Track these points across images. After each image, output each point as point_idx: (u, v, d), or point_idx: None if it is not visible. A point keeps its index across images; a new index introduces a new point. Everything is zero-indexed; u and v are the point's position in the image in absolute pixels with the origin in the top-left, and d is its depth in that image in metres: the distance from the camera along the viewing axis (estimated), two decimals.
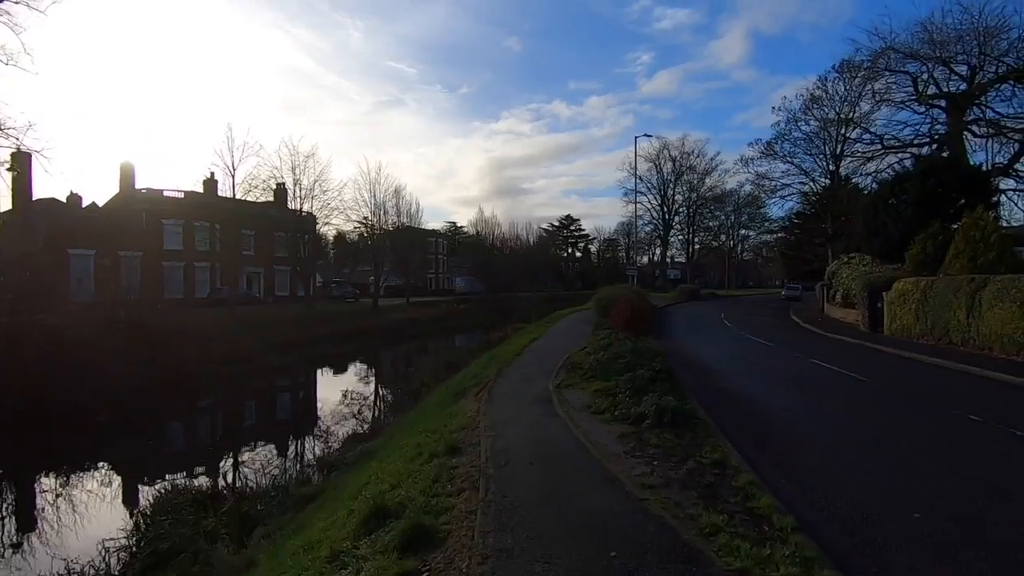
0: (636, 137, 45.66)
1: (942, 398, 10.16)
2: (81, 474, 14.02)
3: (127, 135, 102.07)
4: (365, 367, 33.23)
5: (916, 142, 35.34)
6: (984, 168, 28.77)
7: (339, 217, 52.09)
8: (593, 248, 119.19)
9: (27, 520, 11.42)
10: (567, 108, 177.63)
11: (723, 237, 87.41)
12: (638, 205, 61.64)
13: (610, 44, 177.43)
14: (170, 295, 45.19)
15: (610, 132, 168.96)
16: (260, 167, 51.00)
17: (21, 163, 27.79)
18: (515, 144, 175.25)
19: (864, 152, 38.04)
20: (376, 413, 18.00)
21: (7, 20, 21.19)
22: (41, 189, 51.85)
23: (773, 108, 44.61)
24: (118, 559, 8.53)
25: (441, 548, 3.96)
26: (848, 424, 8.31)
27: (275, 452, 15.38)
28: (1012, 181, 32.51)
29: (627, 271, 55.73)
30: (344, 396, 20.86)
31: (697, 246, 79.07)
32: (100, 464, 14.90)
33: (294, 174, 46.61)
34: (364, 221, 56.79)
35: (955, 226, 23.99)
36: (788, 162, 44.41)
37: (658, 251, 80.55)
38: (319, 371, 32.27)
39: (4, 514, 11.99)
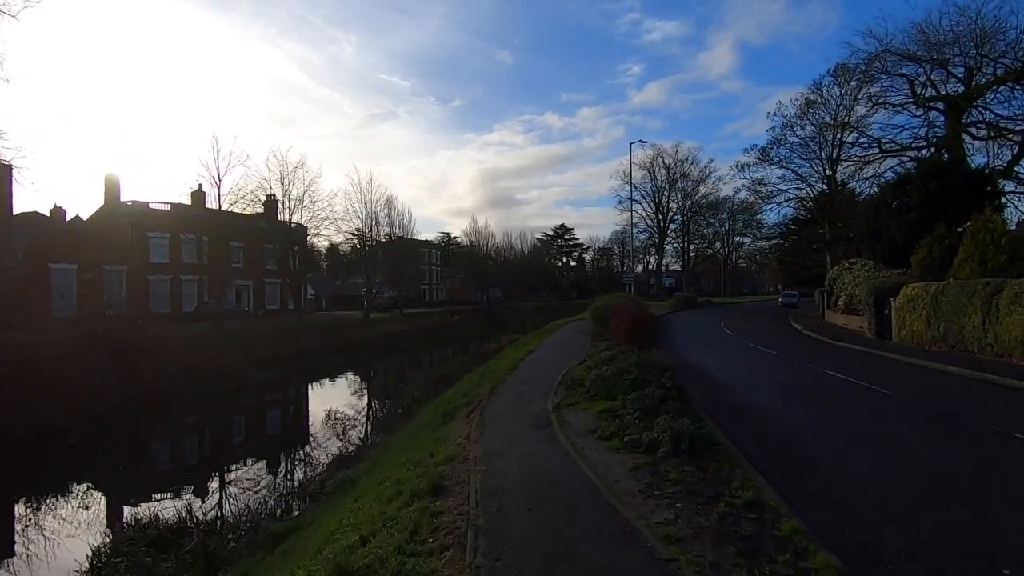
0: (631, 143, 45.24)
1: (976, 412, 9.32)
2: (40, 505, 12.93)
3: (115, 148, 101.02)
4: (355, 382, 32.17)
5: (914, 145, 34.86)
6: (986, 170, 28.22)
7: (330, 228, 51.25)
8: (587, 257, 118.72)
9: None
10: (559, 119, 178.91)
11: (718, 244, 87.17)
12: (633, 213, 61.07)
13: (601, 56, 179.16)
14: (156, 309, 44.04)
15: (602, 143, 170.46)
16: (247, 178, 50.12)
17: None
18: (508, 155, 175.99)
19: (861, 156, 37.53)
20: (363, 432, 16.98)
21: None
22: (24, 203, 50.76)
23: (768, 113, 44.53)
24: None
25: None
26: (886, 448, 7.36)
27: (254, 476, 14.36)
28: (1012, 183, 32.03)
29: (623, 279, 55.01)
30: (331, 414, 19.82)
31: (692, 254, 78.52)
32: (64, 492, 13.82)
33: (283, 184, 45.75)
34: (356, 232, 55.91)
35: (960, 229, 23.38)
36: (784, 167, 43.96)
37: (653, 259, 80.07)
38: (307, 387, 31.19)
39: None
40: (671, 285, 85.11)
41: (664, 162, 68.89)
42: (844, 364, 15.24)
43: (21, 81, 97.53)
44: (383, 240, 59.65)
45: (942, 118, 33.59)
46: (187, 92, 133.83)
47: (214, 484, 13.90)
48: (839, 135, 40.07)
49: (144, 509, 11.61)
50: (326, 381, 34.05)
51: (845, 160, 40.18)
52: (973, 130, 32.39)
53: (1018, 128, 30.58)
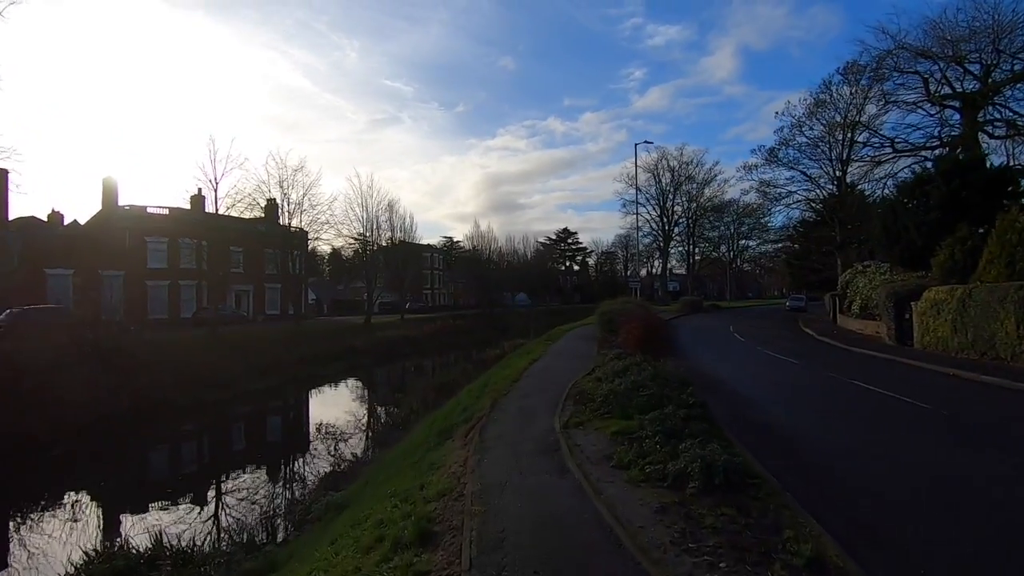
0: (636, 144, 44.55)
1: None
2: (10, 525, 12.04)
3: (116, 153, 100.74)
4: (354, 390, 31.28)
5: (928, 145, 33.86)
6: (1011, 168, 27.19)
7: (330, 232, 50.47)
8: (591, 261, 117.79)
9: None
10: (562, 124, 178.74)
11: (723, 248, 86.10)
12: (637, 217, 60.14)
13: (603, 61, 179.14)
14: (154, 315, 43.40)
15: (604, 147, 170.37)
16: (245, 180, 49.39)
17: None
18: (510, 160, 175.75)
19: (873, 157, 36.52)
20: (358, 446, 16.06)
21: None
22: (22, 208, 50.21)
23: (776, 113, 43.60)
24: None
25: None
26: (953, 484, 6.11)
27: (241, 493, 13.46)
28: None
29: (630, 283, 54.07)
30: (326, 426, 18.93)
31: (697, 257, 77.49)
32: (38, 510, 12.95)
33: (282, 188, 45.01)
34: (357, 237, 55.13)
35: (983, 230, 22.41)
36: (793, 169, 42.99)
37: (657, 263, 79.04)
38: (305, 395, 30.29)
39: None
40: (675, 289, 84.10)
41: (669, 164, 68.07)
42: (869, 373, 14.27)
43: (25, 85, 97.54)
44: (384, 244, 58.89)
45: (957, 116, 32.64)
46: (191, 98, 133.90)
47: (197, 502, 13.00)
48: (849, 135, 39.08)
49: (116, 532, 10.73)
50: (325, 388, 33.18)
51: (856, 161, 39.20)
52: (990, 128, 31.39)
53: None
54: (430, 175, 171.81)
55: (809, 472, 6.26)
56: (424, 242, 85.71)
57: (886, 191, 37.72)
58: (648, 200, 68.91)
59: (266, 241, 47.98)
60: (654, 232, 70.36)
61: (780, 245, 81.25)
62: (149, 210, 46.40)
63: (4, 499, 13.35)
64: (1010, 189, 23.78)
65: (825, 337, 27.64)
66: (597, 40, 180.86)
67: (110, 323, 29.83)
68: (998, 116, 30.93)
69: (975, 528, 4.87)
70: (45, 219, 46.49)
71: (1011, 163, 30.48)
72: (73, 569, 8.83)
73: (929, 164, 32.82)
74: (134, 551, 9.62)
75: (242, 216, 42.92)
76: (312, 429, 20.21)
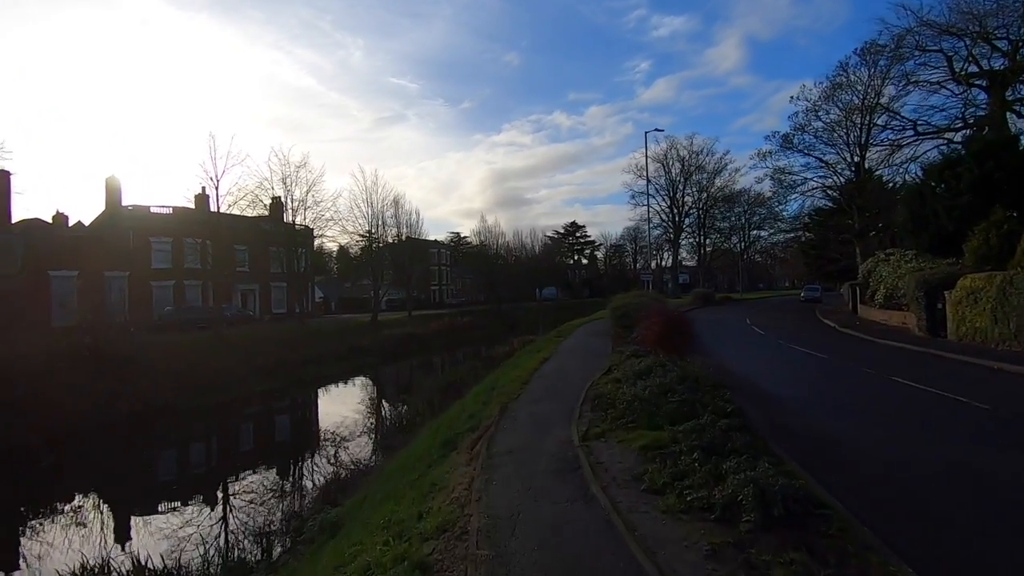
0: (646, 132, 43.33)
1: None
2: None
3: (120, 154, 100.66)
4: (359, 390, 30.52)
5: (953, 127, 32.43)
6: None
7: (335, 229, 49.78)
8: (599, 255, 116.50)
9: None
10: (567, 118, 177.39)
11: (734, 239, 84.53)
12: (648, 207, 58.82)
13: (608, 54, 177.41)
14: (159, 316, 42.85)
15: (610, 140, 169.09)
16: (247, 177, 48.81)
17: None
18: (517, 155, 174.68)
19: (894, 140, 35.07)
20: (360, 452, 15.21)
21: None
22: (27, 210, 49.92)
23: (792, 97, 41.78)
24: None
25: None
26: None
27: (237, 504, 12.67)
28: None
29: (641, 276, 52.88)
30: (328, 430, 18.14)
31: (709, 248, 75.99)
32: (20, 528, 12.23)
33: (285, 185, 44.32)
34: (363, 235, 54.37)
35: (1017, 214, 21.22)
36: (808, 155, 41.59)
37: (666, 255, 77.68)
38: (309, 397, 29.58)
39: None
40: (685, 281, 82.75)
41: (679, 154, 66.57)
42: (908, 369, 13.18)
43: (29, 87, 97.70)
44: (391, 241, 58.14)
45: (984, 96, 31.21)
46: (196, 99, 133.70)
47: (188, 515, 12.21)
48: (868, 118, 37.63)
49: (97, 553, 9.94)
50: (331, 389, 32.49)
51: (875, 145, 37.75)
52: (1020, 107, 29.92)
53: None
54: (436, 172, 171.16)
55: (879, 495, 5.23)
56: (431, 238, 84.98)
57: (908, 176, 36.42)
58: (658, 191, 67.61)
59: (271, 239, 47.32)
60: (664, 223, 69.07)
61: (792, 235, 79.82)
62: (153, 210, 45.87)
63: None
64: None
65: (848, 329, 26.48)
66: (601, 33, 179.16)
67: (109, 326, 29.14)
68: None
69: None
70: (49, 221, 46.13)
71: None
72: None
73: (953, 147, 31.55)
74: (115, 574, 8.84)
75: (246, 214, 42.24)
76: (315, 433, 19.46)
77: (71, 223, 46.71)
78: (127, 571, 8.97)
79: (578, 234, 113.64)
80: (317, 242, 60.17)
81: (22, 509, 13.24)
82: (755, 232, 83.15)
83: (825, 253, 46.40)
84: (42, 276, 37.94)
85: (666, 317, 10.92)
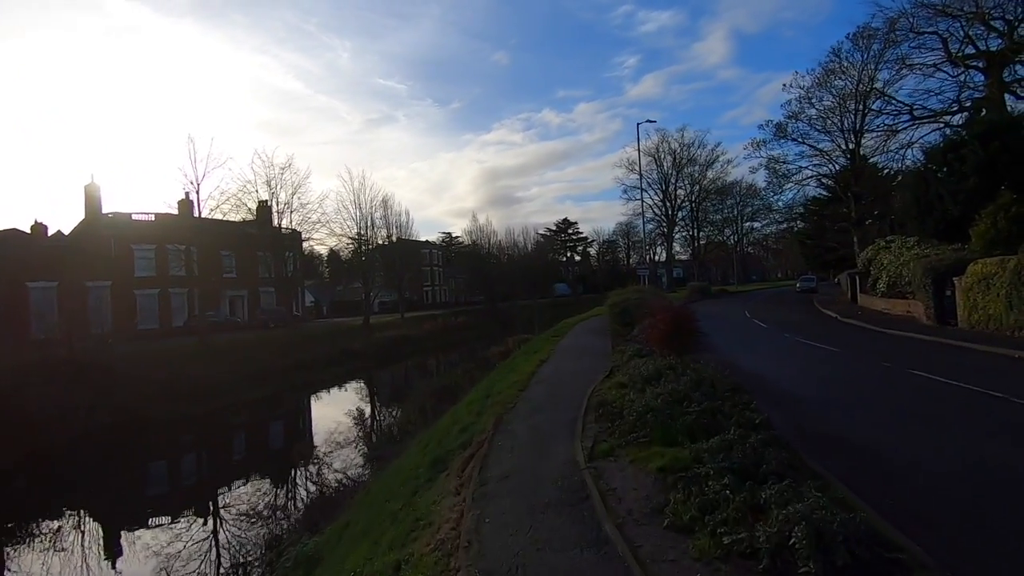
0: (638, 124, 42.65)
1: None
2: None
3: (103, 163, 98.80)
4: (350, 396, 29.54)
5: (949, 110, 31.81)
6: None
7: (322, 231, 48.74)
8: (592, 251, 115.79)
9: None
10: (557, 116, 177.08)
11: (727, 231, 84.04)
12: (643, 201, 58.09)
13: (596, 50, 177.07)
14: (144, 325, 41.81)
15: (600, 137, 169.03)
16: (230, 181, 47.67)
17: None
18: (507, 154, 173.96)
19: (890, 126, 34.41)
20: (346, 466, 14.29)
21: None
22: (2, 220, 48.53)
23: (784, 85, 40.95)
24: None
25: None
26: None
27: (208, 532, 11.72)
28: None
29: (638, 271, 52.22)
30: (314, 441, 17.23)
31: (703, 242, 75.37)
32: None
33: (270, 187, 43.29)
34: (352, 238, 53.32)
35: None
36: (802, 143, 40.88)
37: (659, 249, 76.93)
38: (297, 404, 28.62)
39: None
40: (679, 275, 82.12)
41: (670, 147, 65.76)
42: (927, 361, 12.42)
43: (10, 92, 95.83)
44: (381, 243, 57.16)
45: (980, 78, 30.59)
46: (182, 105, 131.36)
47: (159, 541, 11.28)
48: (862, 104, 36.96)
49: None
50: (322, 395, 31.58)
51: (870, 131, 37.07)
52: (1017, 88, 29.32)
53: None
54: (428, 172, 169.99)
55: (952, 527, 4.36)
56: (423, 239, 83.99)
57: (904, 163, 35.82)
58: (650, 185, 66.81)
59: (259, 244, 46.19)
60: (657, 217, 68.33)
61: (785, 225, 79.41)
62: (134, 217, 44.61)
63: None
64: None
65: (851, 319, 25.80)
66: (589, 29, 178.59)
67: (84, 337, 28.07)
68: None
69: None
70: (27, 231, 44.81)
71: None
72: None
73: (951, 130, 30.92)
74: None
75: (229, 219, 41.12)
76: (304, 444, 18.52)
77: (50, 232, 45.46)
78: None
79: (570, 231, 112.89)
80: (306, 246, 59.08)
81: None
82: (748, 224, 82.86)
83: (822, 243, 45.79)
84: (20, 287, 36.70)
85: (672, 314, 10.09)
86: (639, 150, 42.66)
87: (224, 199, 36.72)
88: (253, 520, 11.45)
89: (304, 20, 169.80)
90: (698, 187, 69.28)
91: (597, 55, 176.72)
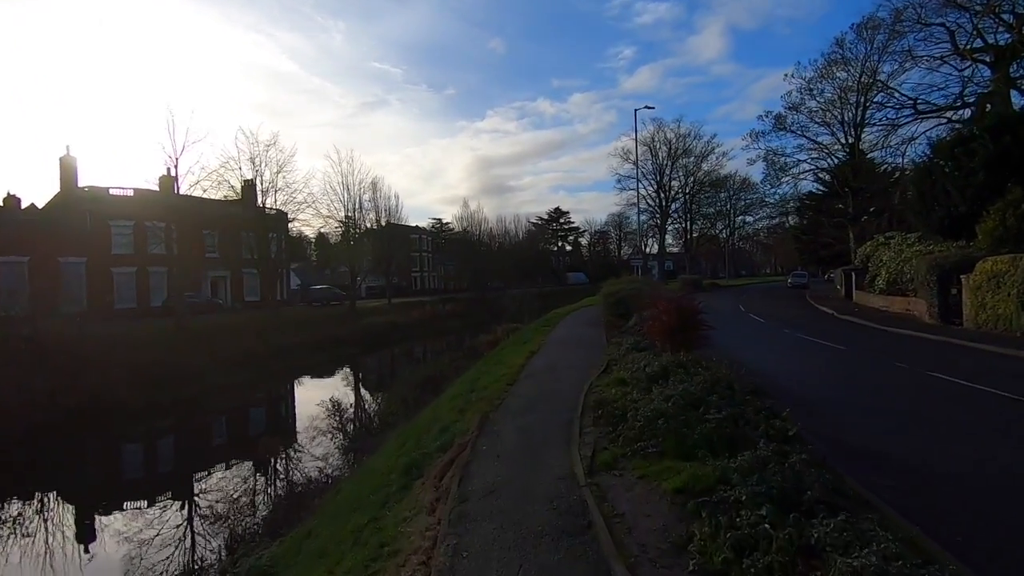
0: (636, 110, 41.64)
1: None
2: None
3: (86, 138, 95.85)
4: (332, 384, 28.48)
5: (953, 105, 31.16)
6: None
7: (308, 212, 47.26)
8: (583, 241, 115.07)
9: None
10: (551, 105, 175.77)
11: (720, 225, 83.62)
12: (633, 195, 57.16)
13: (592, 41, 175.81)
14: (121, 305, 40.38)
15: (594, 128, 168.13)
16: (213, 157, 46.08)
17: None
18: (501, 142, 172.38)
19: (893, 120, 33.70)
20: (322, 459, 13.33)
21: None
22: None
23: (785, 75, 40.11)
24: None
25: None
26: None
27: (162, 533, 10.72)
28: None
29: (631, 262, 51.48)
30: (290, 431, 16.26)
31: (695, 235, 74.83)
32: None
33: (254, 165, 41.70)
34: (338, 219, 51.87)
35: None
36: (801, 136, 40.16)
37: (651, 241, 76.20)
38: (277, 391, 27.56)
39: None
40: (669, 268, 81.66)
41: (666, 137, 64.84)
42: (942, 362, 11.67)
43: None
44: (369, 227, 55.81)
45: (985, 74, 29.91)
46: (171, 82, 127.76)
47: (111, 543, 10.29)
48: (864, 97, 36.23)
49: None
50: (304, 381, 30.51)
51: (871, 124, 36.38)
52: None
53: None
54: (421, 158, 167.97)
55: None
56: (413, 224, 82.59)
57: (904, 159, 35.24)
58: (644, 176, 65.92)
59: (244, 224, 44.64)
60: (651, 208, 67.52)
61: (778, 220, 79.07)
62: (112, 191, 42.89)
63: None
64: None
65: (848, 316, 25.21)
66: (586, 19, 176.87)
67: (53, 316, 26.77)
68: None
69: None
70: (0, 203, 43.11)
71: None
72: None
73: (953, 125, 30.28)
74: None
75: (208, 196, 39.47)
76: (278, 434, 17.51)
77: (23, 206, 43.75)
78: None
79: (562, 220, 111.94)
80: (295, 228, 57.59)
81: None
82: (741, 218, 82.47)
83: (818, 238, 45.20)
84: None
85: (676, 306, 9.21)
86: (635, 137, 41.69)
87: (205, 175, 35.11)
88: (213, 518, 10.48)
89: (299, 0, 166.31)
90: (692, 179, 68.60)
91: (593, 45, 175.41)
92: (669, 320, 9.18)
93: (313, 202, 45.65)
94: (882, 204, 36.72)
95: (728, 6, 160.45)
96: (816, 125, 39.29)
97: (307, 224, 60.31)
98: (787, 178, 42.05)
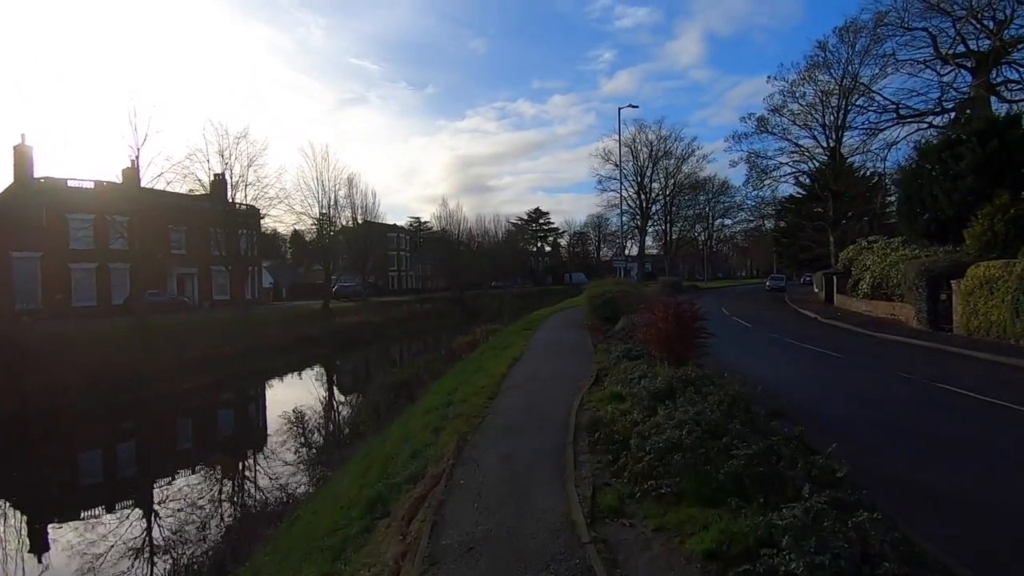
0: (619, 108, 41.15)
1: None
2: None
3: (50, 128, 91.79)
4: (301, 387, 27.13)
5: (934, 110, 31.18)
6: None
7: (281, 208, 45.68)
8: (563, 243, 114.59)
9: None
10: (531, 107, 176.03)
11: (698, 227, 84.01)
12: (614, 196, 56.80)
13: (573, 43, 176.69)
14: (80, 303, 38.31)
15: (573, 129, 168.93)
16: (180, 148, 44.10)
17: None
18: (481, 142, 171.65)
19: (875, 124, 33.65)
20: (282, 475, 12.17)
21: None
22: None
23: (768, 77, 39.98)
24: None
25: None
26: None
27: (118, 549, 9.54)
28: None
29: (614, 263, 50.91)
30: (253, 440, 14.99)
31: (675, 236, 74.90)
32: None
33: (223, 158, 39.92)
34: (312, 215, 50.19)
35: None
36: (783, 139, 40.03)
37: (629, 242, 76.13)
38: (241, 394, 26.12)
39: None
40: (648, 270, 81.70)
41: (647, 138, 64.66)
42: (946, 373, 11.04)
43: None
44: (345, 224, 54.24)
45: (964, 80, 30.02)
46: (145, 76, 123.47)
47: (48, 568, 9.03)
48: (845, 101, 36.19)
49: None
50: (273, 384, 29.07)
51: (853, 128, 36.35)
52: (1003, 89, 28.74)
53: None
54: (400, 156, 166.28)
55: None
56: (391, 223, 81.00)
57: (886, 163, 35.31)
58: (625, 177, 65.65)
59: (212, 219, 42.76)
60: (632, 210, 67.28)
61: (754, 224, 79.68)
62: (70, 183, 40.65)
63: None
64: None
65: (833, 320, 24.89)
66: (566, 21, 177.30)
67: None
68: (1015, 77, 28.27)
69: None
70: None
71: None
72: None
73: (935, 131, 30.31)
74: None
75: (174, 189, 37.66)
76: (236, 443, 16.26)
77: None
78: None
79: (542, 221, 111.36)
80: (269, 225, 55.74)
81: None
82: (719, 220, 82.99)
83: (797, 241, 45.19)
84: None
85: (675, 312, 8.36)
86: (619, 134, 41.08)
87: (169, 167, 33.32)
88: (158, 546, 9.28)
89: None
90: (673, 181, 68.65)
91: (574, 48, 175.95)
92: (667, 327, 8.32)
93: (286, 197, 44.05)
94: (861, 208, 36.74)
95: (706, 12, 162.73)
96: (798, 128, 39.25)
97: (280, 221, 58.57)
98: (769, 180, 41.92)
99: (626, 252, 78.76)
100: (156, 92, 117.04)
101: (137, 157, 31.66)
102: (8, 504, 12.52)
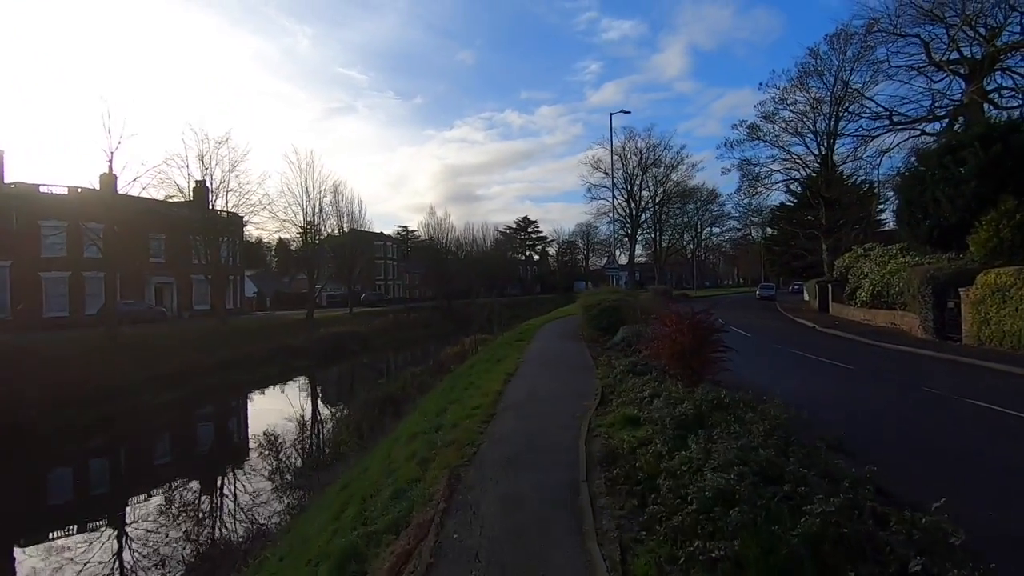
0: (611, 114, 40.73)
1: None
2: None
3: (23, 134, 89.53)
4: (282, 400, 25.87)
5: (927, 117, 30.99)
6: None
7: (264, 215, 44.45)
8: (551, 251, 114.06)
9: None
10: (519, 117, 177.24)
11: (687, 236, 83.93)
12: (603, 204, 56.21)
13: (560, 55, 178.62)
14: (52, 313, 36.81)
15: (561, 140, 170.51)
16: (158, 154, 42.80)
17: None
18: (469, 152, 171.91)
19: (868, 131, 33.38)
20: (246, 511, 11.02)
21: None
22: None
23: (760, 84, 39.89)
24: None
25: None
26: None
27: None
28: None
29: (606, 271, 50.21)
30: (224, 460, 13.83)
31: (664, 245, 74.58)
32: None
33: (203, 163, 38.63)
34: (296, 222, 48.92)
35: None
36: (775, 147, 39.72)
37: (618, 251, 75.62)
38: (217, 409, 24.84)
39: None
40: (637, 278, 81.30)
41: (636, 147, 64.29)
42: (973, 387, 10.26)
43: None
44: (331, 232, 53.06)
45: (956, 87, 29.82)
46: (127, 84, 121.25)
47: None
48: (837, 108, 35.96)
49: None
50: (253, 398, 27.78)
51: (845, 135, 36.12)
52: (995, 96, 28.55)
53: None
54: (388, 166, 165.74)
55: None
56: (378, 231, 79.83)
57: (880, 171, 35.13)
58: (615, 185, 65.18)
59: (192, 227, 41.38)
60: (621, 218, 66.78)
61: (742, 233, 79.75)
62: (42, 189, 39.13)
63: None
64: None
65: (831, 329, 24.30)
66: (553, 33, 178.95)
67: None
68: (1009, 84, 28.10)
69: None
70: None
71: None
72: None
73: (929, 138, 30.07)
74: None
75: (151, 195, 36.29)
76: (206, 465, 15.05)
77: None
78: None
79: (530, 229, 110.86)
80: (254, 234, 54.33)
81: None
82: (708, 229, 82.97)
83: (789, 249, 44.83)
84: None
85: (691, 323, 7.49)
86: (611, 141, 40.46)
87: (145, 171, 32.01)
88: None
89: (263, 2, 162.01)
90: (662, 189, 68.28)
91: (561, 59, 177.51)
92: (682, 340, 7.44)
93: (269, 204, 42.79)
94: (854, 215, 36.42)
95: (690, 26, 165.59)
96: (789, 135, 38.98)
97: (262, 228, 57.33)
98: (761, 188, 41.54)
99: (613, 260, 78.39)
100: (139, 100, 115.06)
101: (111, 161, 30.31)
102: None
